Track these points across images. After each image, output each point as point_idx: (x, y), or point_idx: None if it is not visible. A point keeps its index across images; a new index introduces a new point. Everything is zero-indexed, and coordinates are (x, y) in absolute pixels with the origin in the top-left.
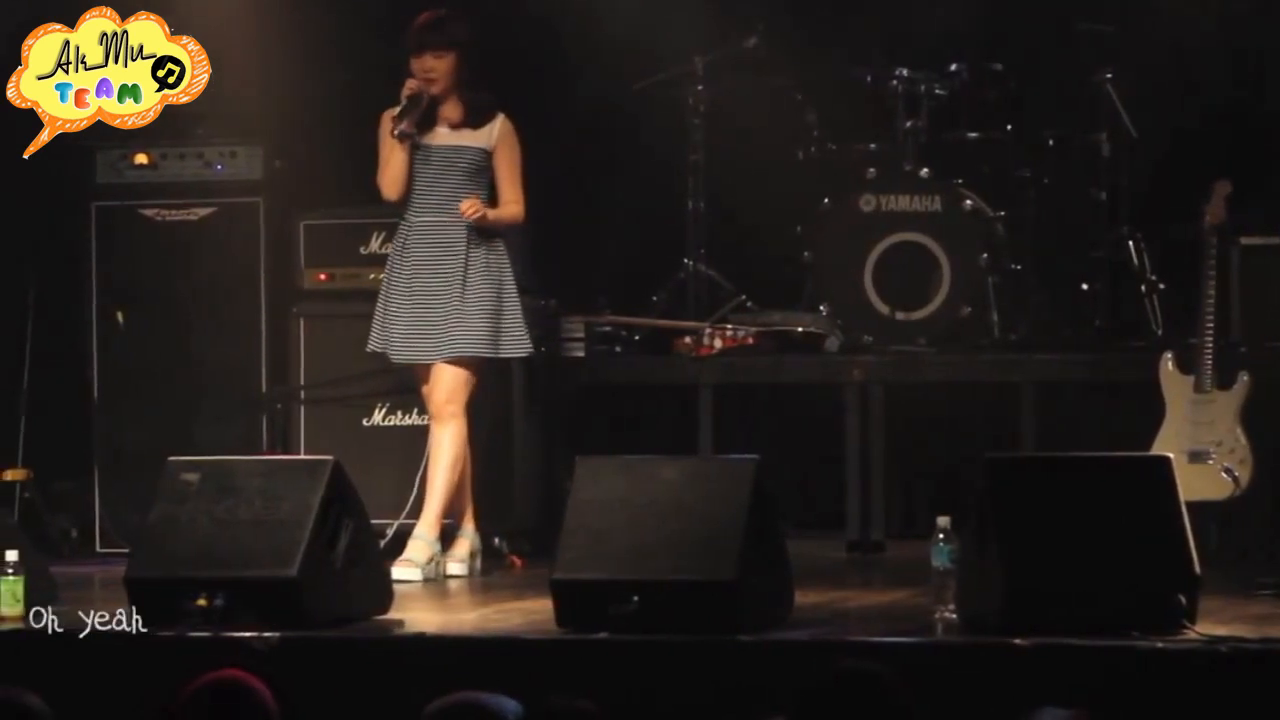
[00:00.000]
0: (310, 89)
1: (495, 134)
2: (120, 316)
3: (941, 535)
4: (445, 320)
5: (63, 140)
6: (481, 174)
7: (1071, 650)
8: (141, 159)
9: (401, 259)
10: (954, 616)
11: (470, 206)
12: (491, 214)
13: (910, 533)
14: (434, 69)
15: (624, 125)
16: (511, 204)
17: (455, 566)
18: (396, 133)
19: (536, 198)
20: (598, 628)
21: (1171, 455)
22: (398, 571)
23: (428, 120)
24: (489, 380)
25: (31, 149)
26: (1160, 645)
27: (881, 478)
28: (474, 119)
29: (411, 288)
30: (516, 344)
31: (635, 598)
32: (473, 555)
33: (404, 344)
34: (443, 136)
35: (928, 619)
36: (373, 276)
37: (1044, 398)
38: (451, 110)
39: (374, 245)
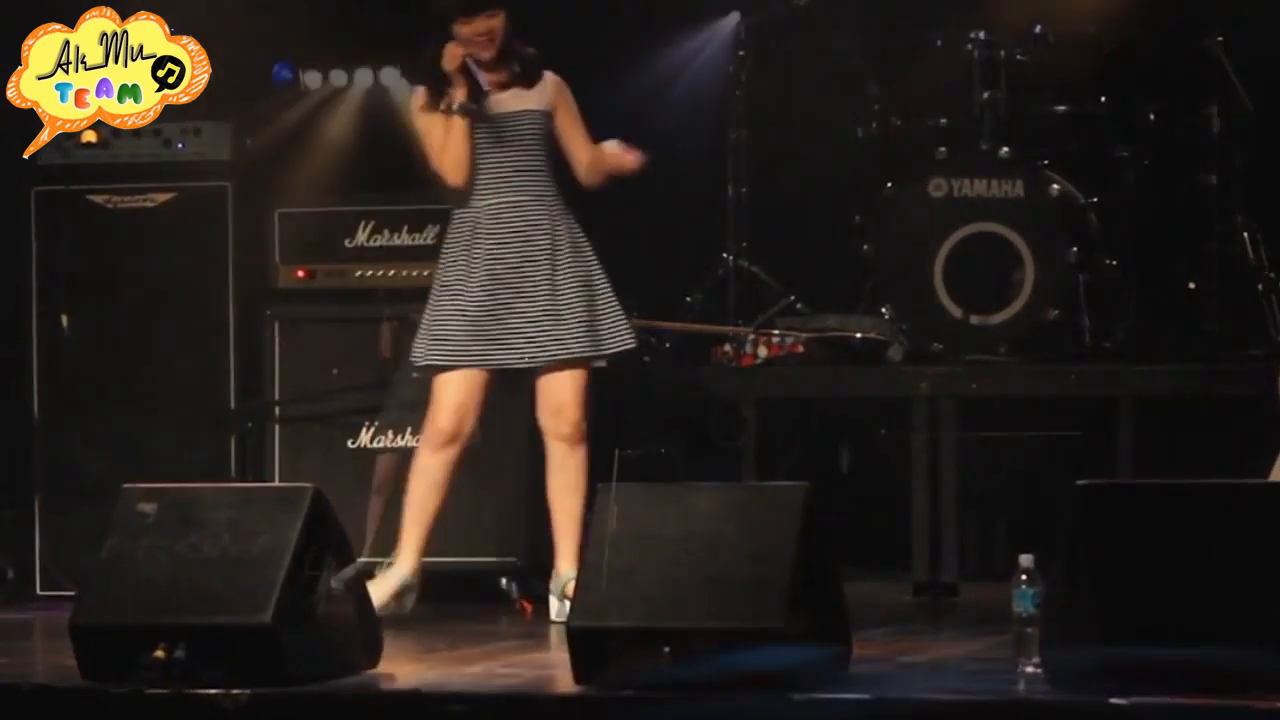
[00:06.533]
0: (287, 55)
1: (549, 92)
2: (65, 320)
3: (1024, 576)
4: (546, 317)
5: None
6: (547, 139)
7: (1180, 712)
8: (89, 136)
9: (471, 252)
10: (1039, 671)
11: (621, 155)
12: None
13: (987, 573)
14: (491, 30)
15: (653, 97)
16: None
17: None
18: (458, 107)
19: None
20: (622, 684)
21: None
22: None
23: (475, 89)
24: (494, 396)
25: (31, 149)
26: None
27: (954, 509)
28: (527, 78)
29: (496, 282)
30: (622, 337)
31: (666, 649)
32: (404, 591)
33: (506, 349)
34: (500, 103)
35: (1008, 674)
36: (359, 273)
37: (1145, 415)
38: (498, 74)
39: (360, 237)
